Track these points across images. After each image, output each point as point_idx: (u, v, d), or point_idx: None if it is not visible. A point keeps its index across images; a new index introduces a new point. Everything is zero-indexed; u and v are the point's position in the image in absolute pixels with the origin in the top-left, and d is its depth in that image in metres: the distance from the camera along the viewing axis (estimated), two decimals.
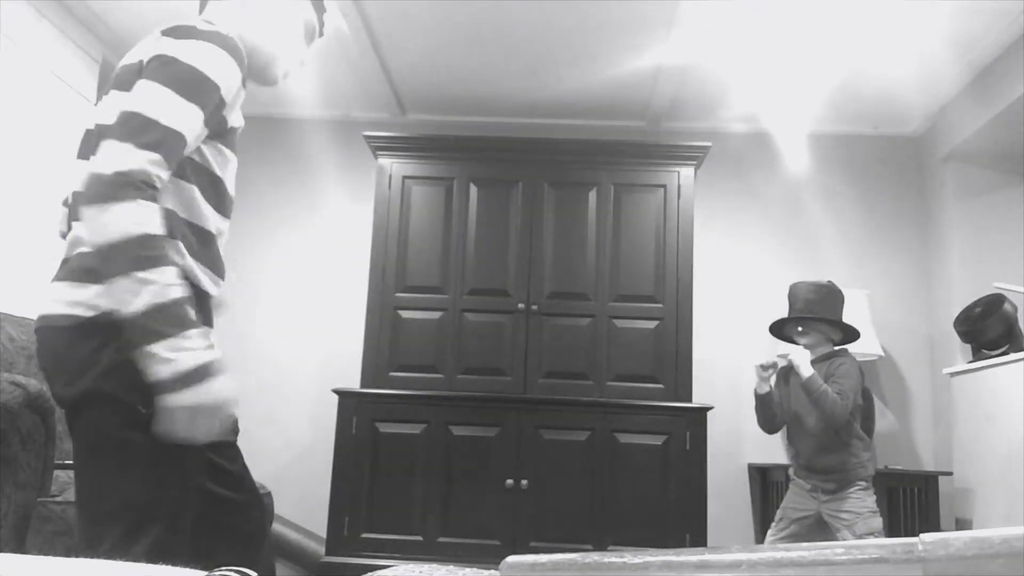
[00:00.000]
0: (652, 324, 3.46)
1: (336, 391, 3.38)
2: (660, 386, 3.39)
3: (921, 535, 0.52)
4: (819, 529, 2.84)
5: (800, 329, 2.89)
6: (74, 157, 1.48)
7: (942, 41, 3.23)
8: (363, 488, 3.28)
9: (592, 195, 3.61)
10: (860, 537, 2.66)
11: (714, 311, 3.94)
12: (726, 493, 3.79)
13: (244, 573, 0.78)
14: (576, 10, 3.14)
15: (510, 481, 3.25)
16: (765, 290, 3.96)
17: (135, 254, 1.16)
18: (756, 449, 3.85)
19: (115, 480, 1.31)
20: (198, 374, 1.22)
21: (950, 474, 3.41)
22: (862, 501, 2.74)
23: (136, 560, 1.25)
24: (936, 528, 3.39)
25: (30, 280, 3.09)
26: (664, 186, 3.60)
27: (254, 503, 1.52)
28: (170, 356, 1.19)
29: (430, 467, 3.30)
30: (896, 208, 4.06)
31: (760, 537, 3.81)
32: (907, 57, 3.37)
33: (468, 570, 0.72)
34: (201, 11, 1.62)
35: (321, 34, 1.65)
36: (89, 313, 1.26)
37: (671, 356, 3.42)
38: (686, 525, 3.18)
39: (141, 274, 1.16)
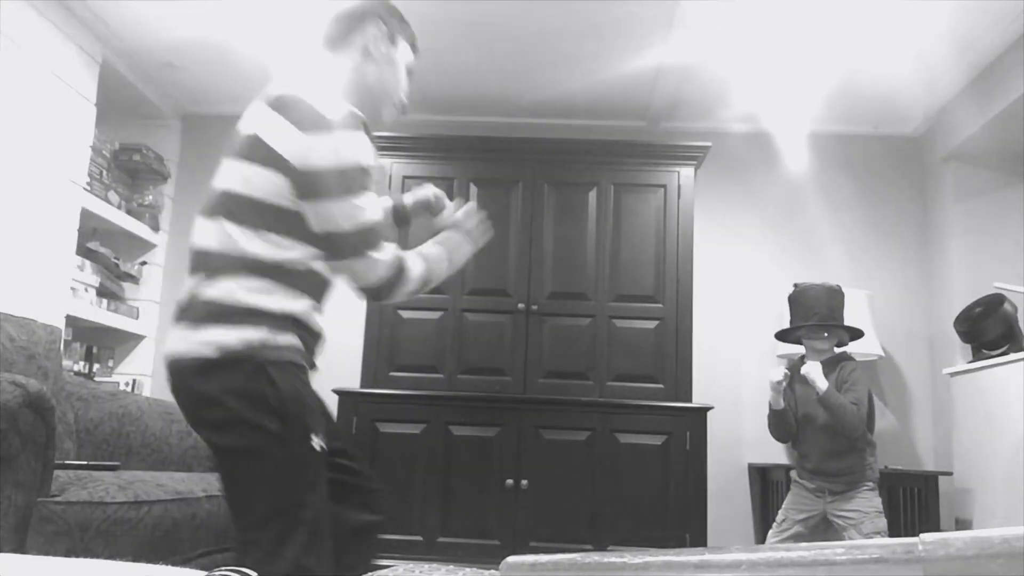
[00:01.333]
0: (652, 324, 3.46)
1: (336, 391, 3.38)
2: (660, 386, 3.39)
3: (921, 535, 0.52)
4: (824, 529, 2.84)
5: (826, 335, 2.89)
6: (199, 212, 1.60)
7: (942, 41, 3.23)
8: None
9: (592, 195, 3.61)
10: (867, 536, 2.66)
11: (714, 311, 3.94)
12: (726, 493, 3.79)
13: (244, 573, 0.78)
14: (576, 10, 3.14)
15: (510, 481, 3.25)
16: (765, 290, 3.96)
17: (396, 281, 1.63)
18: (756, 449, 3.85)
19: (260, 492, 1.45)
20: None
21: (950, 474, 3.41)
22: (869, 501, 2.75)
23: (290, 562, 1.40)
24: (936, 528, 3.39)
25: (30, 280, 3.09)
26: (664, 186, 3.60)
27: (381, 493, 1.73)
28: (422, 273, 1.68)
29: (430, 467, 3.30)
30: (896, 208, 4.06)
31: (760, 537, 3.81)
32: (907, 57, 3.37)
33: (468, 570, 0.72)
34: (329, 46, 1.76)
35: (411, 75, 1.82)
36: (220, 351, 1.45)
37: (671, 356, 3.42)
38: (686, 525, 3.18)
39: (407, 283, 1.65)
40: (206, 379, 1.46)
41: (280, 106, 1.51)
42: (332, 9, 1.77)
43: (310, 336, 1.58)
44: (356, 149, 1.49)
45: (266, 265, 1.47)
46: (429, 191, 2.00)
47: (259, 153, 1.48)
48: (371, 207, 1.51)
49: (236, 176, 1.50)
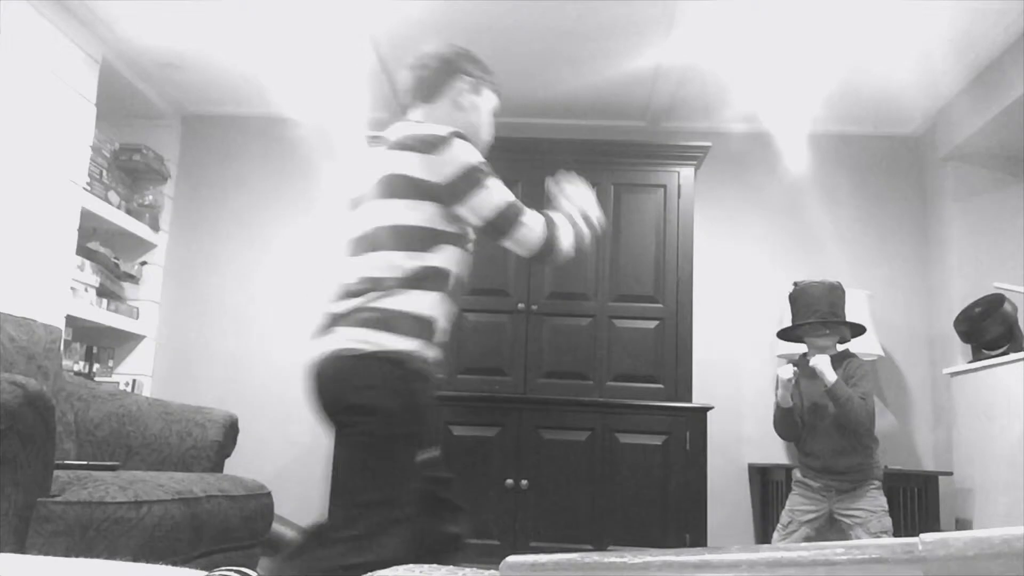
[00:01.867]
0: (652, 324, 3.46)
1: None
2: (660, 386, 3.39)
3: (921, 535, 0.52)
4: (830, 529, 2.84)
5: (828, 332, 2.88)
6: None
7: (942, 41, 3.23)
8: None
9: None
10: (875, 535, 2.66)
11: (714, 311, 3.94)
12: (726, 493, 3.79)
13: (244, 573, 0.79)
14: (576, 10, 3.14)
15: (510, 481, 3.25)
16: (765, 290, 3.96)
17: (549, 242, 1.87)
18: (756, 449, 3.85)
19: (375, 478, 1.71)
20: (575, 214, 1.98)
21: (950, 474, 3.41)
22: (876, 500, 2.75)
23: (386, 543, 1.62)
24: (936, 528, 3.39)
25: (30, 280, 3.09)
26: (664, 186, 3.60)
27: (465, 512, 2.02)
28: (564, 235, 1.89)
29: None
30: (896, 208, 4.06)
31: (760, 537, 3.81)
32: (907, 57, 3.37)
33: (468, 570, 0.72)
34: (411, 112, 1.99)
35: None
36: (376, 348, 1.69)
37: (671, 356, 3.42)
38: (686, 525, 3.18)
39: (556, 242, 1.88)
40: (365, 371, 1.71)
41: (403, 146, 1.79)
42: (419, 60, 2.01)
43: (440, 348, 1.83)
44: (471, 152, 1.78)
45: (419, 278, 1.74)
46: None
47: (400, 188, 1.76)
48: (500, 188, 1.80)
49: (385, 213, 1.78)
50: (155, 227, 4.06)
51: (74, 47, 3.30)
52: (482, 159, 1.81)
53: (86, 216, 3.47)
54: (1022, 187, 3.73)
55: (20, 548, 1.78)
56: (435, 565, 0.73)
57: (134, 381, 3.92)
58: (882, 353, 3.70)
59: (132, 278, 4.00)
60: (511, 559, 0.64)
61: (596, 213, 2.06)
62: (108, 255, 3.77)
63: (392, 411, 1.70)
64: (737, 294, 4.01)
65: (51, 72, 3.17)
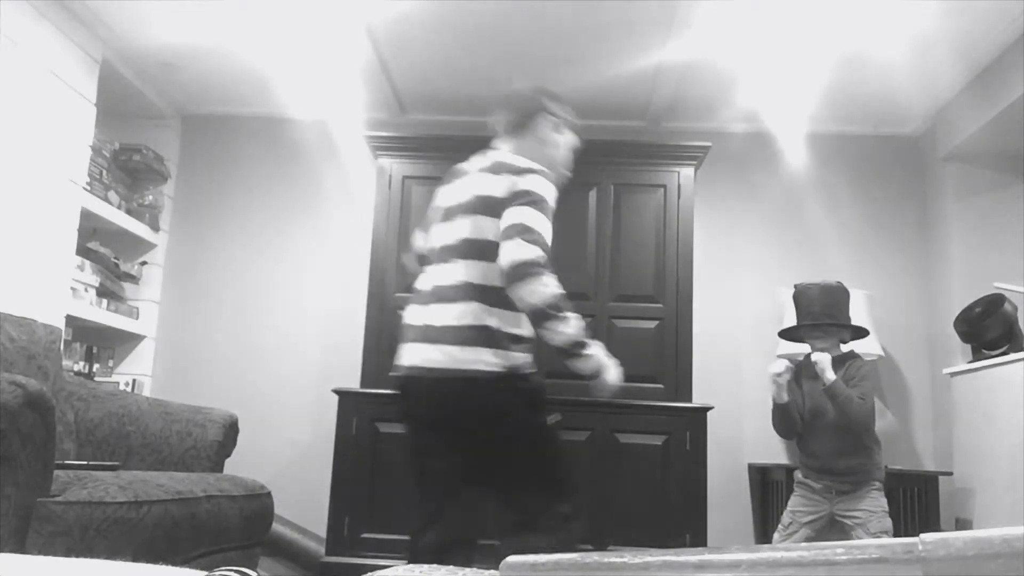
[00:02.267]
0: (652, 324, 3.46)
1: (336, 391, 3.38)
2: (660, 386, 3.39)
3: (921, 535, 0.52)
4: (831, 530, 2.83)
5: (820, 334, 2.87)
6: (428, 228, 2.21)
7: (942, 41, 3.23)
8: (363, 488, 3.28)
9: (592, 195, 3.61)
10: (874, 535, 2.66)
11: (714, 311, 3.94)
12: (726, 493, 3.78)
13: (244, 573, 0.79)
14: (576, 10, 3.14)
15: None
16: (765, 290, 3.96)
17: (556, 308, 1.92)
18: (756, 449, 3.85)
19: (534, 465, 2.01)
20: (601, 359, 2.04)
21: (950, 474, 3.41)
22: (876, 501, 2.74)
23: (559, 516, 1.97)
24: (936, 528, 3.39)
25: (30, 280, 3.09)
26: (664, 186, 3.60)
27: None
28: (589, 354, 2.01)
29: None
30: (896, 208, 4.06)
31: (760, 537, 3.81)
32: (907, 58, 3.37)
33: (468, 570, 0.72)
34: (499, 144, 2.20)
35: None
36: (503, 369, 1.97)
37: (671, 356, 3.42)
38: (686, 525, 3.18)
39: (559, 321, 1.93)
40: (492, 390, 1.95)
41: (494, 169, 2.04)
42: (510, 98, 2.28)
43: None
44: (548, 187, 2.02)
45: (506, 298, 1.94)
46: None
47: (485, 206, 1.99)
48: (546, 226, 2.00)
49: (469, 227, 2.01)
50: (155, 227, 4.06)
51: (74, 47, 3.30)
52: (552, 197, 2.02)
53: (86, 216, 3.47)
54: (1022, 187, 3.73)
55: (20, 548, 1.78)
56: (435, 565, 0.73)
57: (134, 381, 3.92)
58: (882, 353, 3.70)
59: (132, 278, 4.00)
60: (511, 559, 0.64)
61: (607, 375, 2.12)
62: (108, 255, 3.77)
63: (525, 412, 2.03)
64: (737, 294, 4.01)
65: (51, 72, 3.17)
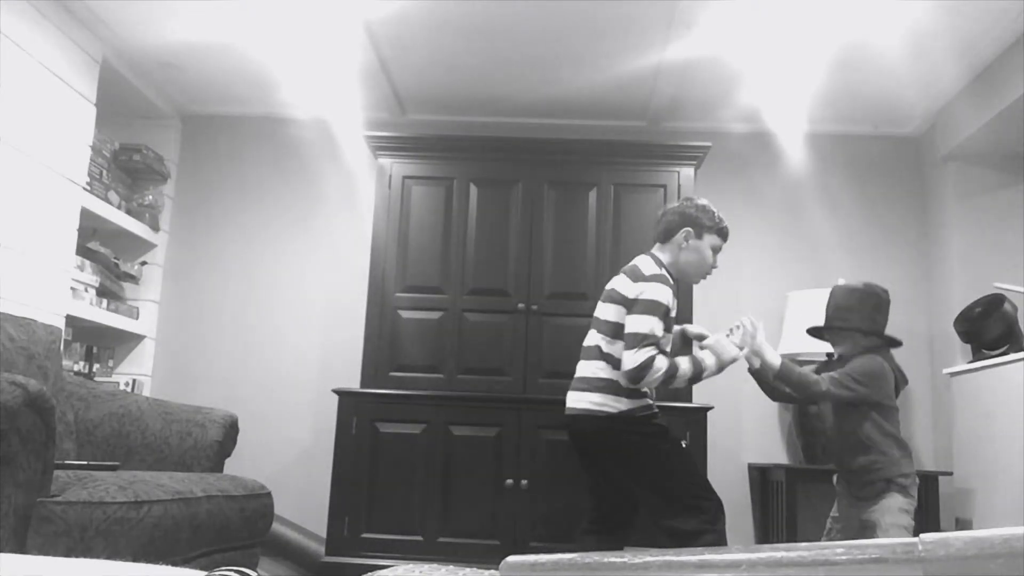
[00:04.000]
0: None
1: (336, 391, 3.38)
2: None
3: (921, 535, 0.52)
4: (863, 534, 2.63)
5: (829, 336, 2.79)
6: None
7: (942, 41, 3.23)
8: (363, 488, 3.28)
9: (592, 195, 3.61)
10: (886, 529, 2.51)
11: (714, 311, 3.93)
12: (726, 493, 3.75)
13: (244, 573, 0.78)
14: (576, 10, 3.14)
15: (510, 481, 3.26)
16: (765, 290, 3.96)
17: (666, 379, 2.53)
18: (756, 449, 3.85)
19: (669, 476, 2.56)
20: (711, 363, 2.65)
21: (950, 474, 3.41)
22: (893, 499, 2.53)
23: (705, 517, 2.48)
24: (936, 528, 3.39)
25: (30, 280, 3.09)
26: (664, 186, 3.60)
27: None
28: (705, 374, 2.63)
29: (430, 467, 3.30)
30: (896, 208, 4.06)
31: (760, 537, 3.81)
32: (907, 57, 3.37)
33: (468, 570, 0.73)
34: (661, 241, 2.71)
35: (727, 240, 2.76)
36: (616, 410, 2.56)
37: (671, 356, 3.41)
38: None
39: (671, 381, 2.55)
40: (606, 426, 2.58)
41: (628, 273, 2.62)
42: (664, 210, 2.77)
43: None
44: (660, 292, 2.51)
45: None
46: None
47: (615, 296, 2.60)
48: (655, 323, 2.49)
49: (605, 311, 2.61)
50: (155, 227, 4.06)
51: (74, 47, 3.30)
52: (668, 299, 2.52)
53: (86, 216, 3.47)
54: (1022, 187, 3.73)
55: (20, 548, 1.78)
56: (435, 565, 0.73)
57: (134, 381, 3.92)
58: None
59: (132, 278, 4.00)
60: (511, 559, 0.64)
61: (730, 356, 2.71)
62: (108, 255, 3.77)
63: (640, 439, 2.59)
64: (737, 294, 4.01)
65: (51, 72, 3.17)
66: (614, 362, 2.54)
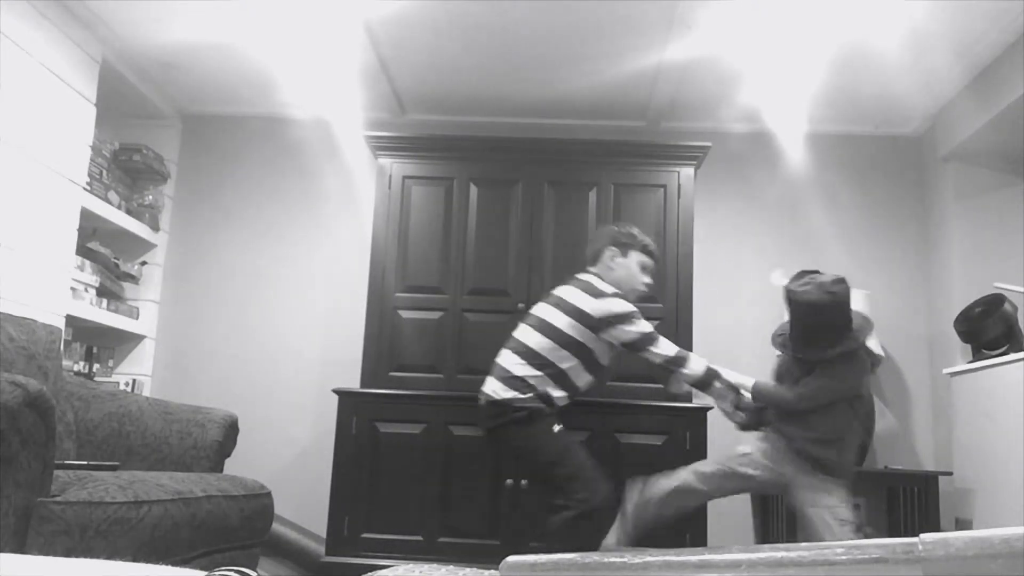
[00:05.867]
0: (652, 324, 3.45)
1: (336, 391, 3.38)
2: (660, 386, 3.39)
3: (921, 535, 0.52)
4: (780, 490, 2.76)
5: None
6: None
7: (942, 41, 3.23)
8: (363, 488, 3.28)
9: (592, 195, 3.61)
10: (831, 524, 2.56)
11: (714, 311, 3.94)
12: None
13: (244, 573, 0.79)
14: (576, 10, 3.14)
15: (510, 481, 3.25)
16: (765, 290, 3.96)
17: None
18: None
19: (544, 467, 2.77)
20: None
21: (950, 474, 3.41)
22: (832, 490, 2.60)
23: (581, 487, 2.66)
24: (936, 528, 3.39)
25: (30, 280, 3.09)
26: (664, 186, 3.60)
27: None
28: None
29: (430, 467, 3.30)
30: (896, 208, 4.06)
31: (760, 537, 3.81)
32: (907, 57, 3.37)
33: (468, 570, 0.73)
34: (591, 264, 2.93)
35: (655, 259, 2.98)
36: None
37: None
38: (686, 525, 3.18)
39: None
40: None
41: (578, 286, 2.82)
42: (592, 236, 3.16)
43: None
44: (625, 306, 2.75)
45: (548, 364, 2.75)
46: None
47: (564, 306, 2.77)
48: (640, 325, 2.76)
49: (548, 314, 2.79)
50: (155, 227, 4.06)
51: (74, 47, 3.30)
52: (631, 310, 2.74)
53: (86, 216, 3.47)
54: (1022, 187, 3.73)
55: (20, 548, 1.78)
56: (435, 565, 0.73)
57: (134, 381, 3.92)
58: (882, 353, 3.70)
59: (132, 278, 4.00)
60: (511, 559, 0.64)
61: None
62: (108, 255, 3.77)
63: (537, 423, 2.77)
64: (737, 294, 4.01)
65: (51, 72, 3.17)
66: (539, 363, 2.73)
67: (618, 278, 2.86)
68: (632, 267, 2.89)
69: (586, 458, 2.76)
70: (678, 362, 2.75)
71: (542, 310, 2.84)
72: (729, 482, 2.78)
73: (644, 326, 2.75)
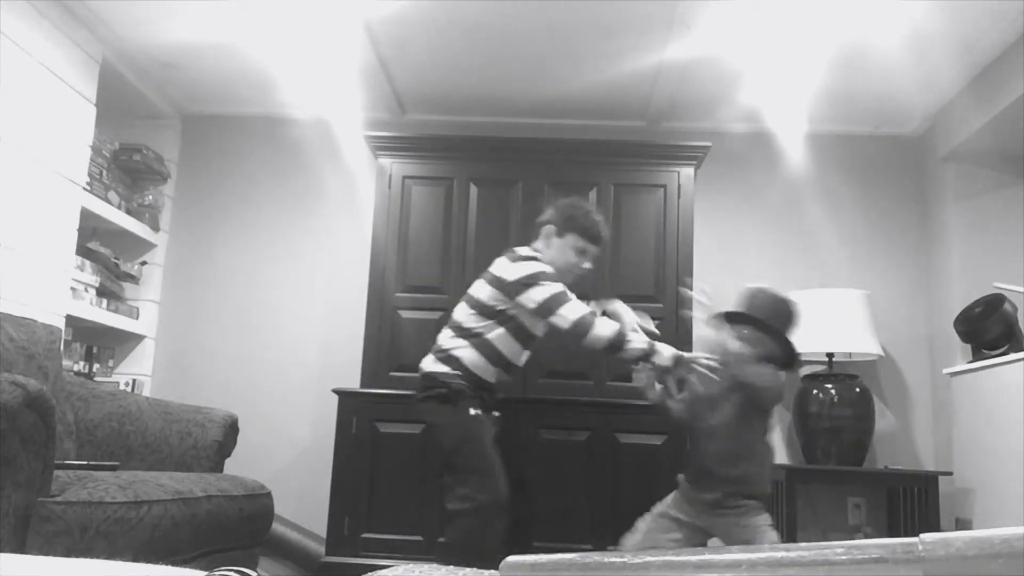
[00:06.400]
0: (652, 324, 3.45)
1: (336, 391, 3.38)
2: (660, 386, 3.38)
3: (921, 535, 0.52)
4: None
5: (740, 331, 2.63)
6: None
7: (942, 41, 3.23)
8: (363, 488, 3.28)
9: (592, 195, 3.61)
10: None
11: (714, 311, 3.93)
12: None
13: (244, 573, 0.79)
14: (576, 10, 3.14)
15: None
16: None
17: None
18: None
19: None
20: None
21: (950, 474, 3.41)
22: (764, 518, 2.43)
23: (475, 481, 2.59)
24: (936, 528, 3.39)
25: (30, 280, 3.09)
26: (664, 186, 3.60)
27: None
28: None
29: (430, 467, 3.29)
30: (896, 208, 4.06)
31: None
32: (907, 57, 3.37)
33: (468, 570, 0.73)
34: (534, 239, 2.82)
35: (598, 244, 2.81)
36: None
37: None
38: None
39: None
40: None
41: (507, 255, 2.74)
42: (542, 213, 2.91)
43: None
44: (538, 267, 2.64)
45: (473, 334, 2.69)
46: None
47: (487, 276, 2.72)
48: (549, 288, 2.62)
49: (475, 286, 2.74)
50: (155, 227, 4.06)
51: (74, 47, 3.30)
52: (543, 270, 2.63)
53: (86, 216, 3.47)
54: (1022, 187, 3.73)
55: (20, 548, 1.78)
56: (435, 565, 0.73)
57: (134, 381, 3.92)
58: (882, 353, 3.70)
59: (132, 278, 4.00)
60: (511, 559, 0.64)
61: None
62: (108, 255, 3.77)
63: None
64: (737, 294, 4.00)
65: (51, 72, 3.17)
66: (464, 333, 2.69)
67: (552, 258, 2.74)
68: (566, 250, 2.75)
69: (494, 456, 2.63)
70: (584, 326, 2.55)
71: (474, 284, 2.79)
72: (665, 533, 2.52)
73: (554, 288, 2.60)
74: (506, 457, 3.30)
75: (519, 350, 2.75)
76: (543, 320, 2.65)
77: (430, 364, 2.71)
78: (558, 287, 2.60)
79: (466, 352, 2.66)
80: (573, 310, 2.57)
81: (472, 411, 2.62)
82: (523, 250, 2.75)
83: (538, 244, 2.80)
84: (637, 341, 2.59)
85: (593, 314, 2.58)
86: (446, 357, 2.68)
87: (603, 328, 2.56)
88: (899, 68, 3.46)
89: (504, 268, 2.68)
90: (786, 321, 2.57)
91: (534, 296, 2.58)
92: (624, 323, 2.74)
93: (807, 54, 3.39)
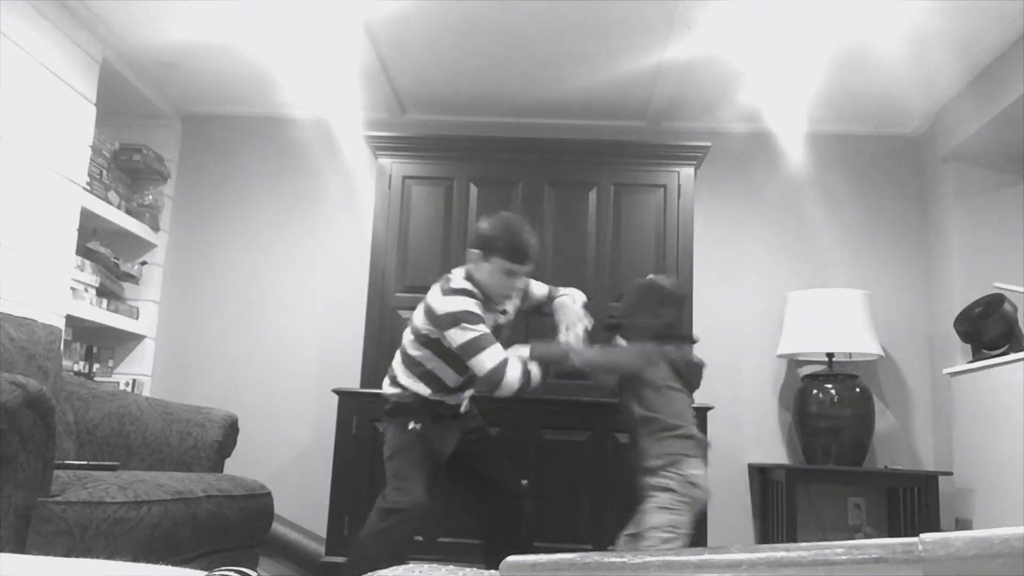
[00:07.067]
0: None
1: (336, 391, 3.38)
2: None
3: (921, 535, 0.52)
4: None
5: (621, 334, 2.77)
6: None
7: (942, 41, 3.23)
8: (363, 488, 3.27)
9: (592, 195, 3.61)
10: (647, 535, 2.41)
11: (714, 311, 3.94)
12: (726, 493, 3.78)
13: (244, 573, 0.79)
14: (576, 10, 3.14)
15: None
16: (765, 290, 3.96)
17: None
18: (756, 449, 3.85)
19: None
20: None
21: (950, 474, 3.41)
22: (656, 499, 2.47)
23: (395, 485, 2.63)
24: (936, 528, 3.39)
25: (30, 280, 3.09)
26: (664, 186, 3.60)
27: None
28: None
29: None
30: (896, 208, 4.06)
31: (760, 537, 3.81)
32: (907, 57, 3.37)
33: (468, 570, 0.73)
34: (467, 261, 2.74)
35: (526, 263, 2.67)
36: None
37: None
38: None
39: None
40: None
41: (439, 282, 2.69)
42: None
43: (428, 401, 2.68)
44: (463, 305, 2.55)
45: (416, 363, 2.67)
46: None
47: (423, 303, 2.66)
48: (468, 332, 2.53)
49: (415, 311, 2.70)
50: (155, 227, 4.06)
51: (74, 47, 3.30)
52: (473, 310, 2.55)
53: (86, 216, 3.47)
54: (1022, 187, 3.73)
55: (20, 548, 1.78)
56: (435, 565, 0.73)
57: (134, 381, 3.92)
58: (882, 353, 3.70)
59: (132, 278, 4.00)
60: (511, 559, 0.64)
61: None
62: (108, 255, 3.77)
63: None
64: (737, 294, 4.01)
65: (51, 72, 3.17)
66: (409, 362, 2.67)
67: (483, 280, 2.65)
68: (495, 273, 2.63)
69: (421, 467, 2.60)
70: (496, 377, 2.50)
71: (416, 308, 2.73)
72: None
73: (472, 332, 2.51)
74: (506, 457, 3.30)
75: (456, 377, 2.66)
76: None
77: (384, 386, 2.75)
78: (477, 331, 2.51)
79: (409, 381, 2.65)
80: (489, 358, 2.50)
81: (412, 425, 2.62)
82: (456, 279, 2.66)
83: (470, 267, 2.70)
84: (535, 370, 2.58)
85: (505, 362, 2.50)
86: (393, 382, 2.70)
87: (512, 374, 2.51)
88: (899, 68, 3.46)
89: (436, 300, 2.60)
90: (653, 304, 2.69)
91: (454, 338, 2.52)
92: (560, 322, 2.77)
93: (807, 54, 3.39)
